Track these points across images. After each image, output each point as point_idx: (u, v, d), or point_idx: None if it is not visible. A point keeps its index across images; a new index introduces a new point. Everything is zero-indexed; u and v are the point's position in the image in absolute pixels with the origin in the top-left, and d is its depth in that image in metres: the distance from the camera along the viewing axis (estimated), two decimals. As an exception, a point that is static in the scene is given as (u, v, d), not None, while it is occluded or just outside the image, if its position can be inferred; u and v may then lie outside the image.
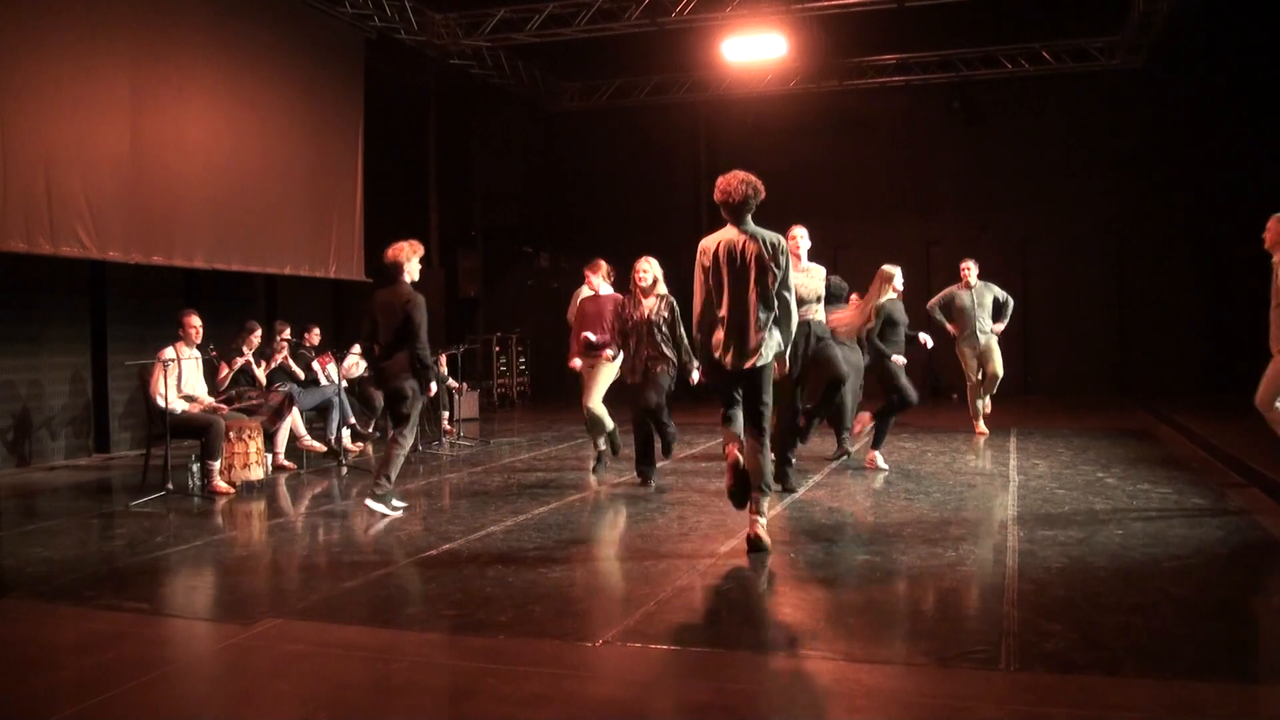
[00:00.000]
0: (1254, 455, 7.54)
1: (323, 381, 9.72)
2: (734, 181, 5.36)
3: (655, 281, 7.40)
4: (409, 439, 6.65)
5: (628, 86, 15.96)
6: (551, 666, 3.82)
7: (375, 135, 12.49)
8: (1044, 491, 7.13)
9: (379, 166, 12.85)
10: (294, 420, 8.95)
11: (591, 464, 8.28)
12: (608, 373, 7.90)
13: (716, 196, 5.41)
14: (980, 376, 10.30)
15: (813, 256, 7.55)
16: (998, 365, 10.21)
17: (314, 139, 11.46)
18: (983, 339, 10.22)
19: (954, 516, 6.41)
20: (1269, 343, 6.44)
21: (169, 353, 7.67)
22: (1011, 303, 10.25)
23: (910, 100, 15.58)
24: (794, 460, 7.43)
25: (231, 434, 7.71)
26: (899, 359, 8.26)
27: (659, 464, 7.84)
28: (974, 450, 9.42)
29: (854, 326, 7.82)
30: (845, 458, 8.37)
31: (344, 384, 9.72)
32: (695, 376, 7.19)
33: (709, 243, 5.45)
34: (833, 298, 7.73)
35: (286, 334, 9.53)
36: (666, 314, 7.34)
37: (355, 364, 10.24)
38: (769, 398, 5.41)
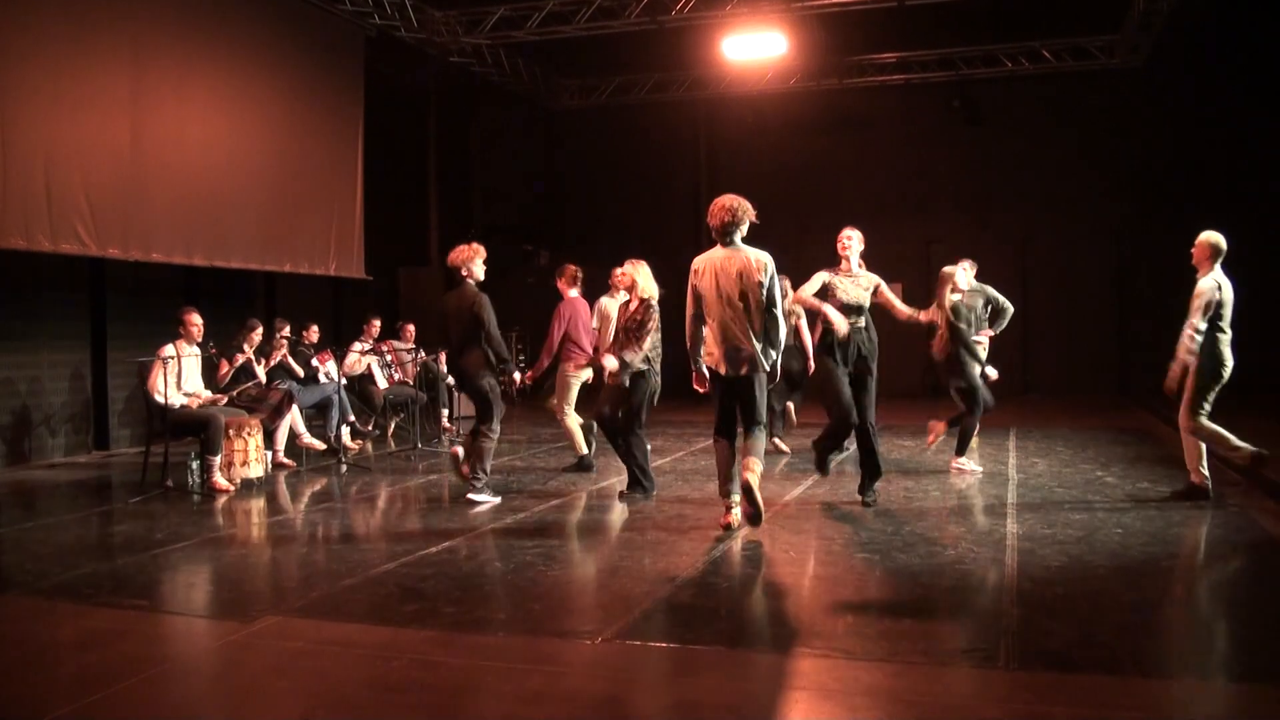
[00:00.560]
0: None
1: (322, 379, 9.72)
2: (715, 209, 5.78)
3: (633, 284, 7.11)
4: (496, 431, 6.96)
5: (628, 84, 15.96)
6: (550, 664, 3.82)
7: (375, 133, 12.47)
8: (1043, 490, 7.13)
9: (379, 164, 12.84)
10: (293, 418, 8.95)
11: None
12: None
13: (708, 220, 5.84)
14: None
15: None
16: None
17: (314, 137, 11.45)
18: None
19: (953, 515, 6.41)
20: (1175, 355, 6.48)
21: (169, 350, 7.67)
22: (1010, 310, 8.94)
23: (910, 99, 15.57)
24: (830, 462, 6.88)
25: (231, 431, 7.70)
26: (989, 370, 8.10)
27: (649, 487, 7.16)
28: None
29: (942, 341, 7.75)
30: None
31: (343, 381, 9.73)
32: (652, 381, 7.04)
33: (699, 262, 5.83)
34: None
35: (286, 332, 9.53)
36: (639, 317, 6.99)
37: (356, 362, 10.24)
38: (763, 408, 5.79)
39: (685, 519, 6.28)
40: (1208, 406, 6.47)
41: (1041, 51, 14.27)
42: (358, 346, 10.35)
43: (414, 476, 8.37)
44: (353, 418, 9.88)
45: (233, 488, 7.55)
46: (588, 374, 8.17)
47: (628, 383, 6.93)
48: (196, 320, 7.85)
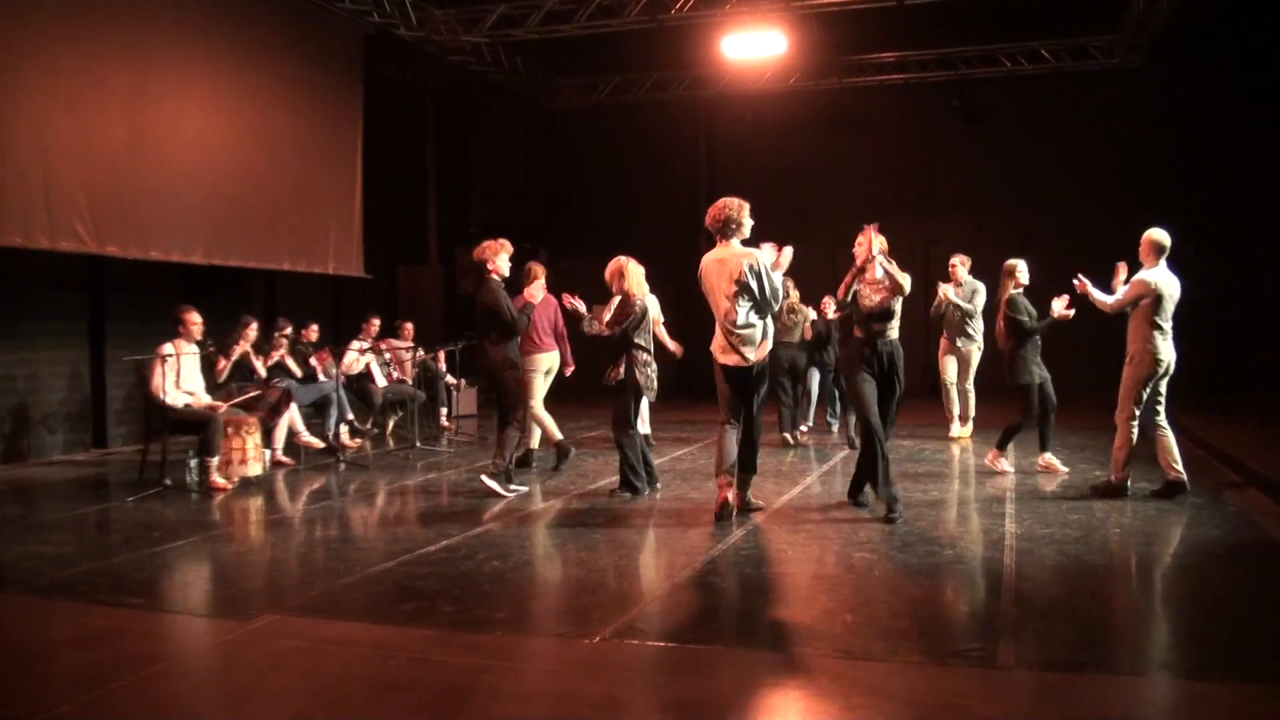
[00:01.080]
0: (1251, 454, 7.56)
1: (321, 378, 9.71)
2: (712, 211, 6.16)
3: (617, 273, 7.02)
4: (522, 424, 7.33)
5: (627, 83, 15.95)
6: (548, 663, 3.82)
7: (374, 132, 12.47)
8: (1042, 490, 7.13)
9: (378, 163, 12.83)
10: (292, 416, 8.94)
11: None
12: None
13: (705, 223, 6.24)
14: (953, 379, 9.68)
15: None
16: (967, 379, 9.57)
17: (313, 135, 11.44)
18: (962, 343, 9.52)
19: (952, 515, 6.41)
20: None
21: (168, 348, 7.66)
22: (981, 305, 9.19)
23: (909, 98, 15.56)
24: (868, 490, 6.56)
25: (229, 430, 7.69)
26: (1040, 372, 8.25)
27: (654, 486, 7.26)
28: (972, 449, 9.42)
29: (1001, 335, 8.03)
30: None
31: (342, 380, 9.71)
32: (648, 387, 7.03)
33: (703, 263, 6.25)
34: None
35: (288, 331, 9.52)
36: (621, 312, 6.92)
37: (355, 360, 10.23)
38: (760, 400, 6.26)
39: (684, 518, 6.28)
40: (1141, 403, 6.75)
41: (1041, 51, 14.27)
42: (356, 345, 10.34)
43: (412, 475, 8.37)
44: (351, 416, 9.87)
45: (231, 486, 7.54)
46: (551, 365, 8.32)
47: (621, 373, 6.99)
48: (195, 318, 7.84)
